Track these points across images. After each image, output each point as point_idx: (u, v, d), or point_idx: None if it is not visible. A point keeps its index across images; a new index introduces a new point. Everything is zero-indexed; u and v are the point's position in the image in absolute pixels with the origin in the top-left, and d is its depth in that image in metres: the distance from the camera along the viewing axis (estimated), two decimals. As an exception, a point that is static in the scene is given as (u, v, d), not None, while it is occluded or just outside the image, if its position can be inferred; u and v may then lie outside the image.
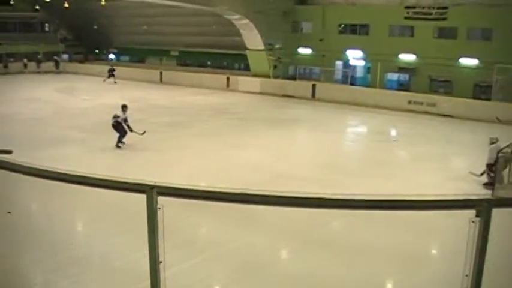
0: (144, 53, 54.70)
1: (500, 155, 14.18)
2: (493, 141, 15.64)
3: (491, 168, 15.16)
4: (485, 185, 15.15)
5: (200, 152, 18.83)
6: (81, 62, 56.25)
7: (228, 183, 13.53)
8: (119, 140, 19.43)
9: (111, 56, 58.69)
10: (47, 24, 59.26)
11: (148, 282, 3.26)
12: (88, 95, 35.45)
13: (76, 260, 8.91)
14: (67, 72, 51.30)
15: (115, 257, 9.18)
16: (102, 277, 8.37)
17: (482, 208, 2.86)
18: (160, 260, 3.24)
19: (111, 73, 44.16)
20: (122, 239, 9.88)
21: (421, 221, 10.45)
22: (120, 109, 19.88)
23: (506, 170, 14.38)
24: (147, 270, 3.24)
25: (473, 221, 2.92)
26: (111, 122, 19.65)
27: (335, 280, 8.63)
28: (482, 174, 15.58)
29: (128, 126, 19.59)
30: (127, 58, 57.49)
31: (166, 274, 3.32)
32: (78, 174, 3.30)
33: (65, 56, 56.99)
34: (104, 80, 43.26)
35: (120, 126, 19.53)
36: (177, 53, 51.76)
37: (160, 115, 27.87)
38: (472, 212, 2.91)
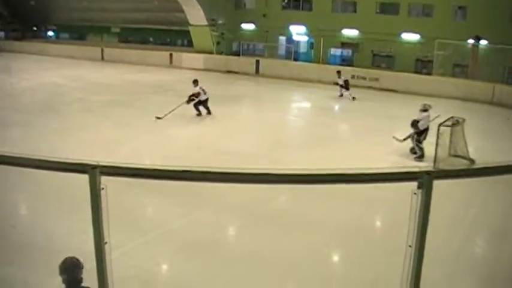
0: (85, 30, 53.33)
1: (441, 128, 14.46)
2: (425, 108, 15.72)
3: (419, 138, 15.46)
4: (416, 158, 15.48)
5: (143, 131, 18.57)
6: (18, 40, 54.19)
7: (172, 161, 13.48)
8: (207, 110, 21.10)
9: (50, 33, 57.02)
10: (-21, 0, 56.60)
11: (94, 264, 3.21)
12: (27, 74, 34.40)
13: (19, 244, 8.70)
14: (3, 51, 49.47)
15: (59, 240, 8.99)
16: (46, 260, 8.17)
17: (423, 180, 2.91)
18: (105, 241, 3.17)
19: None
20: (66, 221, 9.68)
21: (365, 194, 10.67)
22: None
23: (447, 142, 14.71)
24: (92, 252, 3.18)
25: (415, 193, 2.97)
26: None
27: (282, 254, 8.71)
28: (405, 139, 15.81)
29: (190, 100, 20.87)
30: (67, 35, 55.99)
31: (112, 255, 3.27)
32: (17, 155, 3.19)
33: (1, 34, 54.93)
34: None
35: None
36: (118, 30, 50.75)
37: (102, 93, 27.30)
38: (414, 184, 2.96)
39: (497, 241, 9.88)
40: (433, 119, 15.58)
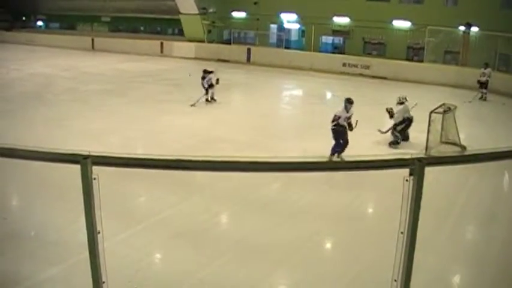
0: (74, 19, 52.90)
1: (433, 115, 14.49)
2: (401, 101, 15.71)
3: (396, 127, 15.50)
4: (391, 144, 15.53)
5: (134, 120, 18.47)
6: (7, 30, 53.71)
7: (164, 150, 13.45)
8: (337, 151, 13.90)
9: (40, 23, 56.57)
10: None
11: (87, 254, 3.21)
12: (17, 65, 34.14)
13: (10, 235, 8.66)
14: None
15: (51, 231, 8.97)
16: (39, 251, 8.16)
17: (415, 167, 2.92)
18: (98, 230, 3.18)
19: None
20: (58, 211, 9.66)
21: (357, 181, 10.70)
22: (343, 107, 14.38)
23: (439, 129, 14.75)
24: (85, 242, 3.18)
25: (407, 180, 2.98)
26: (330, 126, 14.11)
27: (274, 241, 8.72)
28: (387, 131, 15.81)
29: (350, 125, 14.24)
30: (56, 25, 55.56)
31: (105, 244, 3.27)
32: (7, 146, 3.18)
33: (-11, 24, 54.52)
34: None
35: (341, 131, 14.06)
36: (108, 19, 50.40)
37: (93, 83, 27.16)
38: (405, 171, 2.96)
39: (488, 226, 9.94)
40: (412, 108, 15.63)
